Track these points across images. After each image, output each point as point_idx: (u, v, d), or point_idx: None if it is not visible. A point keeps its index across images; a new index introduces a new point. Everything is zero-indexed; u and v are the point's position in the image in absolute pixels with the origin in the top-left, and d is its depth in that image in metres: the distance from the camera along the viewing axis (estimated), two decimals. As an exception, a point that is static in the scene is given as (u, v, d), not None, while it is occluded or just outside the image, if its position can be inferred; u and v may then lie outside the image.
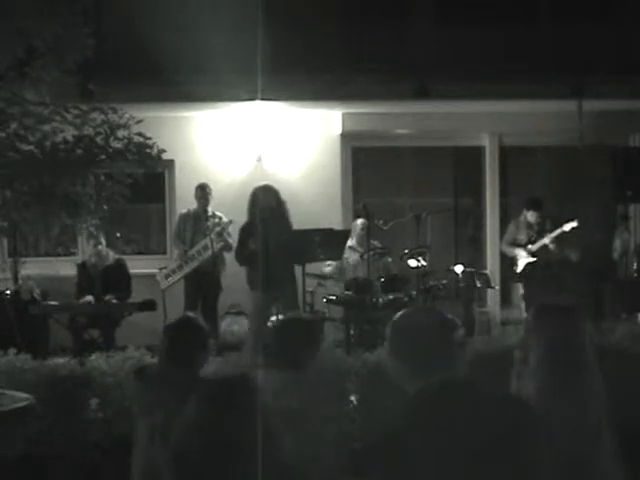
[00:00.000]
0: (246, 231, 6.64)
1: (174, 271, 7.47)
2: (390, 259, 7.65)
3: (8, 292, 7.46)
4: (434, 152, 9.29)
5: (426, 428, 1.91)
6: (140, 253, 8.96)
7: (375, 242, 7.49)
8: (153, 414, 3.11)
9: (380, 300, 6.95)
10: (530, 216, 7.84)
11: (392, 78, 7.62)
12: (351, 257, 7.49)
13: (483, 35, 7.85)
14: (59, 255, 8.73)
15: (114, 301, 7.21)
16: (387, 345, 2.08)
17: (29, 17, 4.61)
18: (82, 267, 7.53)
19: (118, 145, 4.87)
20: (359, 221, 7.67)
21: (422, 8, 8.33)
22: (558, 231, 7.64)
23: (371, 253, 7.06)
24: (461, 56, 7.78)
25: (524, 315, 6.51)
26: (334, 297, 7.23)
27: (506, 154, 9.19)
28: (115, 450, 4.49)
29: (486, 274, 8.25)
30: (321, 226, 6.84)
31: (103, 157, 4.84)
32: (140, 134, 4.93)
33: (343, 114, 8.74)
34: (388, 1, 8.12)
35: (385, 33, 7.96)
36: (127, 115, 4.93)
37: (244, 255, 6.59)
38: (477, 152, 9.21)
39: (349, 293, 7.08)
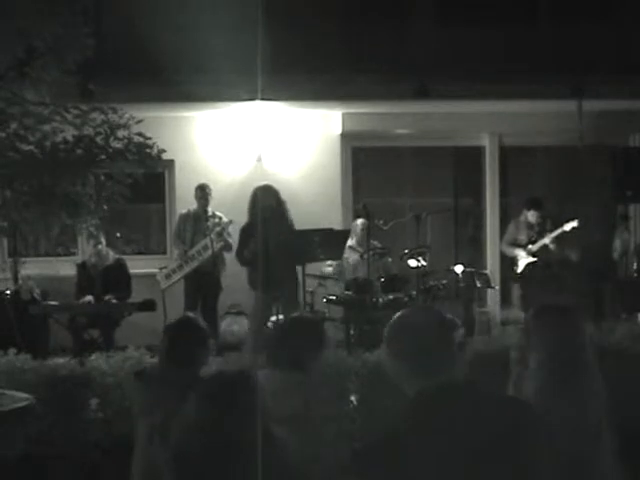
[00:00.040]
0: (246, 231, 6.64)
1: (174, 271, 7.47)
2: (390, 259, 7.65)
3: (8, 292, 7.46)
4: (434, 152, 9.28)
5: (426, 428, 1.91)
6: (140, 253, 8.96)
7: (375, 242, 7.49)
8: (153, 414, 3.11)
9: (380, 300, 6.95)
10: (530, 216, 7.83)
11: (392, 78, 7.62)
12: (351, 257, 7.49)
13: (483, 35, 7.85)
14: (59, 255, 8.72)
15: (114, 301, 7.21)
16: (385, 345, 2.08)
17: (29, 17, 4.61)
18: (82, 267, 7.53)
19: (118, 145, 4.87)
20: (359, 221, 7.67)
21: (422, 8, 8.33)
22: (558, 231, 7.64)
23: (371, 253, 7.06)
24: (461, 56, 7.78)
25: (522, 315, 6.52)
26: (334, 297, 7.23)
27: (506, 154, 9.19)
28: (115, 450, 4.50)
29: (486, 274, 8.25)
30: (321, 226, 6.84)
31: (103, 157, 4.84)
32: (140, 134, 4.92)
33: (343, 114, 8.75)
34: (388, 1, 8.12)
35: (385, 33, 7.96)
36: (127, 115, 4.92)
37: (245, 255, 6.59)
38: (477, 152, 9.21)
39: (349, 293, 7.08)
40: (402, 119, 8.76)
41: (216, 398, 2.29)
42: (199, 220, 7.40)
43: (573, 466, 2.52)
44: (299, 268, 6.41)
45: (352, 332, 6.92)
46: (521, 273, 7.89)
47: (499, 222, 9.01)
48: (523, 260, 7.83)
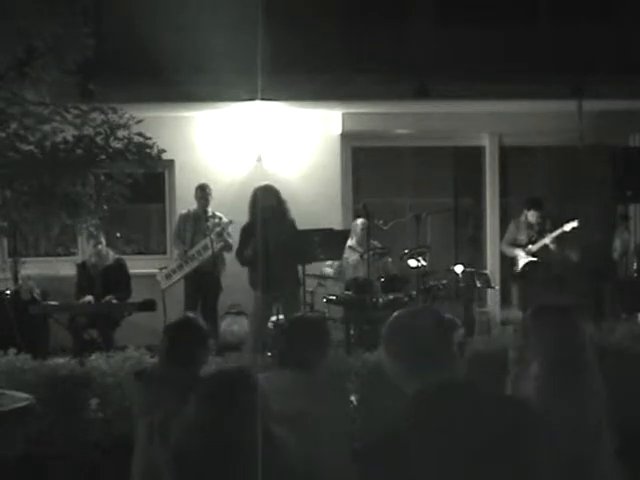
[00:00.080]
0: (247, 231, 6.64)
1: (174, 271, 7.47)
2: (390, 259, 7.65)
3: (8, 292, 7.46)
4: (434, 152, 9.28)
5: (426, 428, 1.91)
6: (140, 253, 8.96)
7: (375, 242, 7.49)
8: (153, 414, 3.11)
9: (380, 300, 6.95)
10: (530, 216, 7.83)
11: (392, 78, 7.62)
12: (351, 257, 7.49)
13: (483, 35, 7.84)
14: (59, 255, 8.72)
15: (114, 301, 7.21)
16: (384, 345, 2.08)
17: (29, 17, 4.61)
18: (82, 267, 7.52)
19: (118, 145, 4.87)
20: (359, 221, 7.67)
21: (422, 8, 8.33)
22: (558, 231, 7.63)
23: (371, 253, 7.06)
24: (461, 56, 7.78)
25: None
26: (334, 297, 7.23)
27: (506, 154, 9.19)
28: (115, 450, 4.50)
29: (486, 274, 8.25)
30: (321, 226, 6.83)
31: (103, 157, 4.84)
32: (140, 134, 4.93)
33: (343, 114, 8.75)
34: (388, 1, 8.12)
35: (385, 33, 7.96)
36: (127, 115, 4.92)
37: (245, 255, 6.59)
38: (477, 152, 9.21)
39: (349, 293, 7.08)
40: (402, 119, 8.76)
41: (216, 398, 2.29)
42: (199, 220, 7.40)
43: (573, 466, 2.52)
44: (299, 268, 6.41)
45: (352, 332, 6.92)
46: (518, 273, 7.89)
47: (499, 222, 9.01)
48: (523, 260, 7.83)
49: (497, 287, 8.54)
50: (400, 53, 7.83)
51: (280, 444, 2.30)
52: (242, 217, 6.76)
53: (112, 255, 7.53)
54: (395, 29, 8.04)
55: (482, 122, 8.83)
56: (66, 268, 8.01)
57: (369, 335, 6.58)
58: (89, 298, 7.25)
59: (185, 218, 7.56)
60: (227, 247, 7.23)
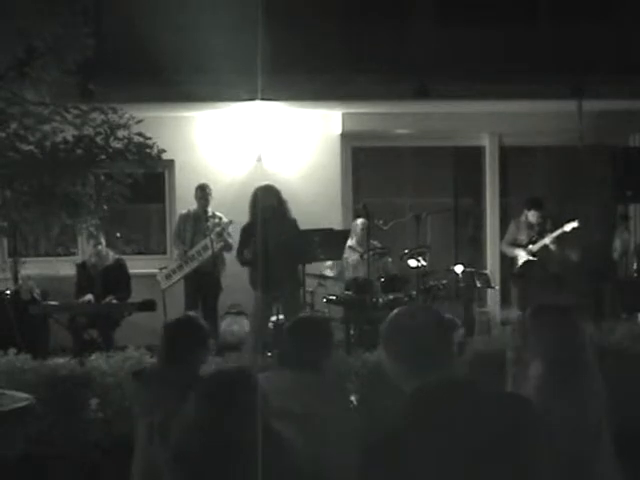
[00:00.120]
0: (247, 231, 6.64)
1: (174, 271, 7.47)
2: (390, 259, 7.65)
3: (8, 292, 7.46)
4: (434, 152, 9.28)
5: (424, 426, 1.91)
6: (140, 253, 8.96)
7: (375, 242, 7.49)
8: (153, 414, 3.11)
9: (380, 300, 6.95)
10: (531, 216, 7.82)
11: (392, 78, 7.62)
12: (351, 257, 7.49)
13: (483, 35, 7.84)
14: (59, 255, 8.72)
15: (114, 301, 7.21)
16: (383, 345, 2.08)
17: (29, 17, 4.61)
18: (82, 267, 7.52)
19: (118, 145, 4.87)
20: (359, 221, 7.67)
21: (422, 8, 8.33)
22: (559, 231, 7.62)
23: (371, 253, 7.06)
24: (461, 56, 7.78)
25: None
26: (334, 297, 7.23)
27: (506, 154, 9.19)
28: (115, 450, 4.50)
29: (486, 274, 8.25)
30: (321, 226, 6.83)
31: (103, 157, 4.84)
32: (140, 134, 4.92)
33: (343, 114, 8.75)
34: (388, 1, 8.12)
35: (385, 33, 7.96)
36: (127, 115, 4.92)
37: (245, 255, 6.58)
38: (477, 152, 9.21)
39: (349, 293, 7.08)
40: (402, 119, 8.76)
41: (216, 397, 2.29)
42: (199, 220, 7.40)
43: (573, 466, 2.52)
44: (300, 268, 6.41)
45: (352, 332, 6.92)
46: (517, 272, 7.89)
47: (499, 222, 9.01)
48: (522, 260, 7.83)
49: (497, 287, 8.55)
50: (400, 53, 7.83)
51: (287, 444, 2.30)
52: (242, 217, 6.76)
53: (112, 255, 7.53)
54: (395, 29, 8.04)
55: (482, 122, 8.83)
56: (66, 268, 8.01)
57: (369, 335, 6.58)
58: (89, 298, 7.26)
59: (185, 218, 7.56)
60: (227, 247, 7.22)
